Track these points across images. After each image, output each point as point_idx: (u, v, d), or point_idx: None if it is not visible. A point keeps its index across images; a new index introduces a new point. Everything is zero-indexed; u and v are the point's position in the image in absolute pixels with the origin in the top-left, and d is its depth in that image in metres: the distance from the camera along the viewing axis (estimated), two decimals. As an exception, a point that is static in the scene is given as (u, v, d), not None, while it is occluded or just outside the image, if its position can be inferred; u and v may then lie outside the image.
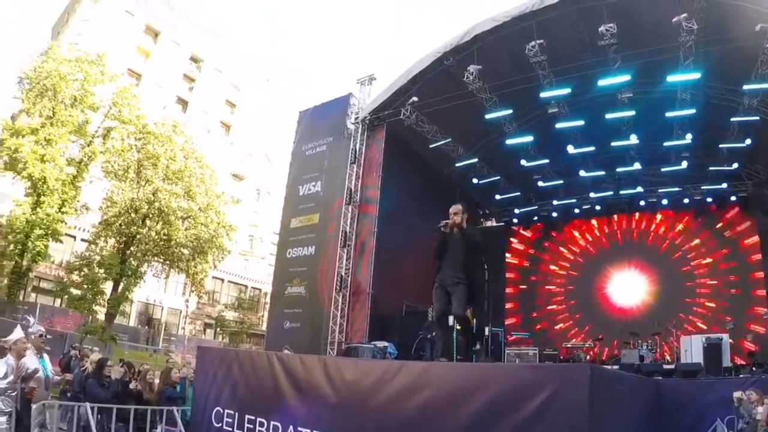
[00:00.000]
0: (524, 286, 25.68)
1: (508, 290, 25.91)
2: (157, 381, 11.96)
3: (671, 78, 16.20)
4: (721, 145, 19.24)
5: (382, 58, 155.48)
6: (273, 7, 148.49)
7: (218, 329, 54.30)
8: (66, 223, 34.06)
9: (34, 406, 7.99)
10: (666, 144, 19.23)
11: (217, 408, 7.82)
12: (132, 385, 10.23)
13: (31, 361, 8.18)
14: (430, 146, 20.43)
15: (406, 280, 19.24)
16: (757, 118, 16.91)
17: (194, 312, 52.83)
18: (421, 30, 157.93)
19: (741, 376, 12.95)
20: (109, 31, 51.44)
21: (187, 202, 34.46)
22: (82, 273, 32.82)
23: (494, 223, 27.02)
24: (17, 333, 8.40)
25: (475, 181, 22.77)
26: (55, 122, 31.09)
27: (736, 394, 8.35)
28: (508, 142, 20.46)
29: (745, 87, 16.09)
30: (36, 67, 31.06)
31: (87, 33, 51.26)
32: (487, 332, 22.33)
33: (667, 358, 17.92)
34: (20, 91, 32.11)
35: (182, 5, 68.67)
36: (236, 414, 7.42)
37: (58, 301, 40.21)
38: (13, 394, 7.70)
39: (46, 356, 8.91)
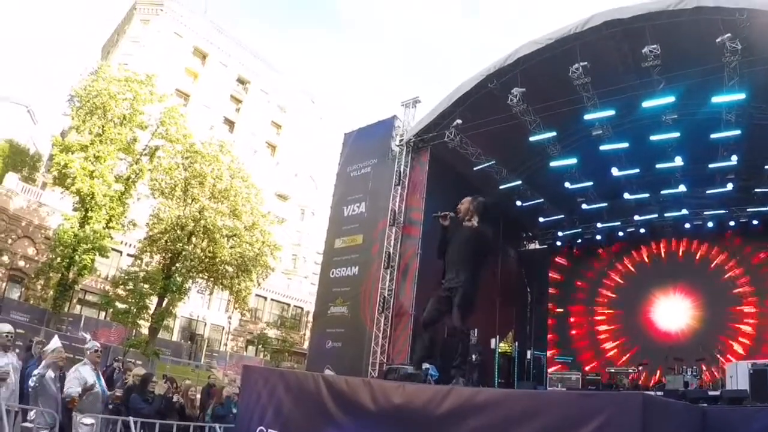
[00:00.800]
0: (567, 310, 25.41)
1: (550, 313, 25.65)
2: (198, 396, 12.17)
3: (716, 99, 16.00)
4: (767, 167, 18.94)
5: (426, 80, 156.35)
6: (318, 31, 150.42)
7: (260, 346, 54.56)
8: (112, 239, 34.71)
9: (87, 419, 8.13)
10: (711, 166, 18.93)
11: (261, 427, 7.75)
12: (174, 400, 10.41)
13: (89, 375, 8.36)
14: (474, 168, 20.42)
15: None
16: (803, 138, 16.66)
17: (236, 329, 53.26)
18: (465, 52, 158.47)
19: (791, 403, 12.69)
20: (157, 52, 52.71)
21: (233, 220, 34.83)
22: (128, 287, 33.34)
23: (537, 246, 26.88)
24: (55, 342, 8.58)
25: (518, 203, 22.67)
26: (104, 140, 31.81)
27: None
28: (552, 164, 20.38)
29: (791, 108, 15.89)
30: (86, 86, 31.80)
31: (136, 53, 52.58)
32: (529, 356, 22.23)
33: (712, 384, 17.59)
34: (70, 108, 32.87)
35: (230, 28, 70.04)
36: (280, 434, 7.37)
37: (103, 314, 40.92)
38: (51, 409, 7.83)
39: (99, 372, 9.12)
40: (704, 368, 17.76)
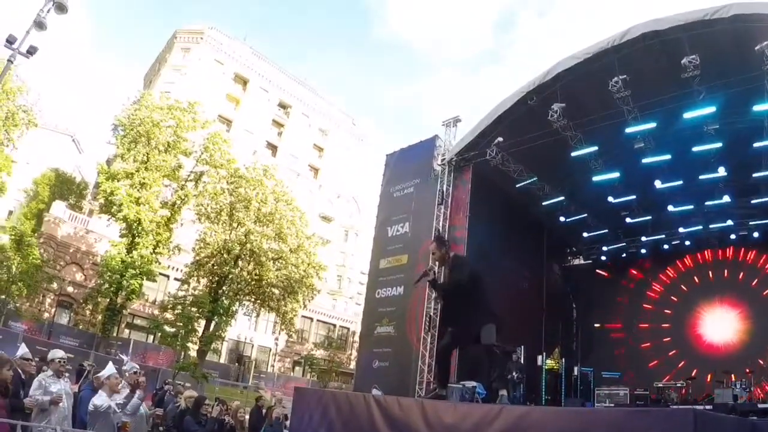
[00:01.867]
0: (615, 325, 25.13)
1: (598, 329, 25.40)
2: (247, 417, 12.38)
3: (757, 108, 15.71)
4: (810, 175, 18.62)
5: (466, 98, 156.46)
6: (356, 53, 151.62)
7: (307, 367, 54.81)
8: (160, 263, 35.35)
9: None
10: (755, 175, 18.59)
11: (313, 447, 7.95)
12: (226, 422, 10.62)
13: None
14: (517, 186, 20.39)
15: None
16: None
17: (283, 350, 53.65)
18: (504, 70, 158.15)
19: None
20: (199, 80, 53.79)
21: (278, 243, 35.28)
22: (176, 311, 33.84)
23: (582, 261, 26.69)
24: (110, 369, 8.71)
25: (562, 219, 22.58)
26: (149, 167, 32.56)
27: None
28: (595, 179, 20.22)
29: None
30: (129, 115, 32.65)
31: (178, 81, 53.76)
32: (576, 372, 22.02)
33: (762, 397, 17.27)
34: (114, 137, 33.74)
35: (269, 53, 71.03)
36: (332, 455, 7.43)
37: (151, 337, 41.56)
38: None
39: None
40: (753, 380, 17.43)
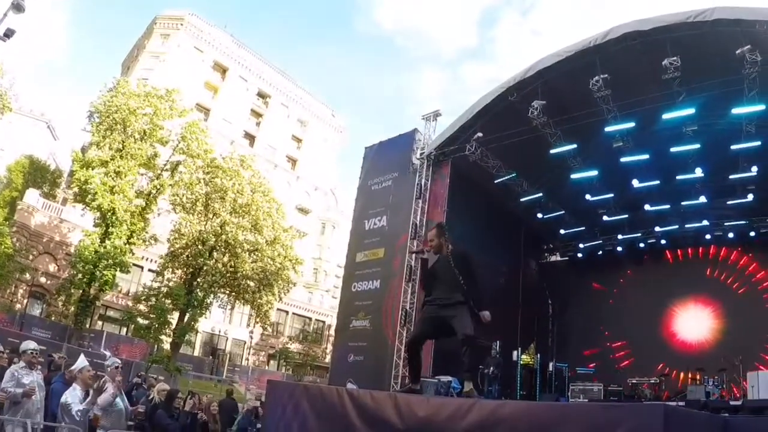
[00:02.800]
0: (589, 321, 25.28)
1: (572, 325, 25.54)
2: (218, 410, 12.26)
3: (736, 110, 15.93)
4: (788, 178, 18.85)
5: (448, 94, 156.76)
6: (335, 46, 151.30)
7: (282, 361, 54.63)
8: (134, 254, 34.92)
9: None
10: (731, 177, 18.79)
11: (285, 441, 7.85)
12: (199, 416, 10.48)
13: (109, 391, 8.41)
14: (495, 181, 20.46)
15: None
16: (823, 149, 16.58)
17: (258, 343, 53.39)
18: (486, 67, 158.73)
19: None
20: (177, 67, 53.33)
21: (254, 235, 35.03)
22: (149, 303, 33.51)
23: (558, 258, 26.81)
24: (82, 362, 8.54)
25: (539, 215, 22.66)
26: (125, 155, 32.04)
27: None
28: (573, 176, 20.35)
29: (811, 118, 15.83)
30: (105, 101, 32.06)
31: (156, 68, 53.32)
32: (551, 368, 22.14)
33: (734, 394, 17.45)
34: (90, 124, 33.16)
35: (250, 42, 70.59)
36: (304, 449, 7.36)
37: (124, 329, 41.16)
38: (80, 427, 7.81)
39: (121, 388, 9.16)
40: (726, 378, 17.63)
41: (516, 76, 18.24)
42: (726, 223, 22.06)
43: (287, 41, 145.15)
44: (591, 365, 23.56)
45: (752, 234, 21.72)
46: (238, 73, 61.32)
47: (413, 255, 6.32)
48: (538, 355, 22.37)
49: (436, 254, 7.25)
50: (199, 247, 33.69)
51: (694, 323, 22.62)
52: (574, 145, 18.98)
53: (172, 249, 35.19)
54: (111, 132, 32.00)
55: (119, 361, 9.26)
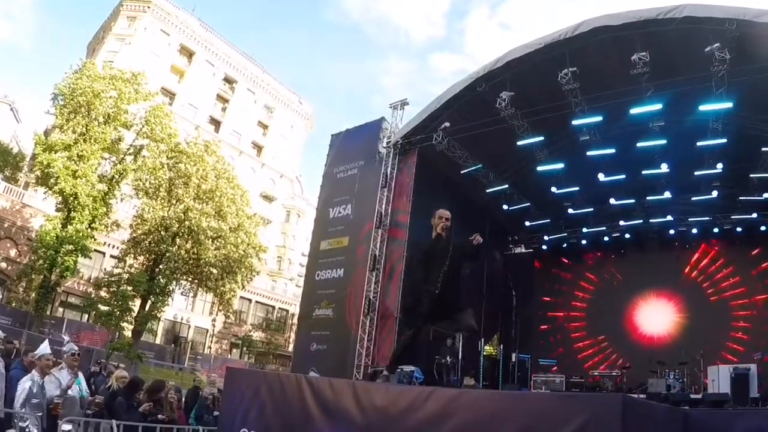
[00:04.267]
0: (552, 313, 25.46)
1: (536, 317, 25.68)
2: (177, 399, 12.04)
3: (703, 107, 16.07)
4: (751, 175, 19.10)
5: (415, 84, 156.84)
6: (308, 32, 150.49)
7: (244, 349, 54.33)
8: (96, 240, 34.37)
9: (65, 425, 7.96)
10: (697, 173, 18.97)
11: (244, 429, 7.66)
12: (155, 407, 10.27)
13: (65, 379, 8.22)
14: (462, 172, 20.44)
15: (433, 305, 19.20)
16: (789, 148, 16.82)
17: (221, 331, 53.02)
18: (454, 59, 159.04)
19: (769, 406, 12.86)
20: (144, 50, 52.65)
21: (218, 222, 34.66)
22: (111, 289, 33.03)
23: (523, 250, 26.87)
24: (44, 348, 8.39)
25: (505, 207, 22.66)
26: (88, 139, 31.44)
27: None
28: (539, 169, 20.37)
29: (778, 117, 16.03)
30: (70, 84, 31.43)
31: (122, 51, 52.56)
32: (514, 359, 22.22)
33: (694, 388, 17.68)
34: (54, 106, 32.52)
35: (218, 26, 69.76)
36: (262, 436, 7.31)
37: (86, 316, 40.55)
38: (40, 414, 7.68)
39: (81, 375, 8.94)
40: (687, 372, 17.84)
41: (485, 66, 18.14)
42: (690, 219, 22.32)
43: (256, 27, 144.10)
44: (554, 356, 23.75)
45: (716, 230, 22.06)
46: (205, 58, 60.54)
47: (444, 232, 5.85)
48: (501, 346, 22.44)
49: (446, 239, 7.08)
50: (162, 233, 33.28)
51: (656, 317, 22.89)
52: (541, 138, 19.04)
53: (134, 235, 34.77)
54: (75, 115, 31.41)
55: (76, 348, 9.05)
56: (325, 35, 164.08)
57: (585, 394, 4.30)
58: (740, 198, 20.53)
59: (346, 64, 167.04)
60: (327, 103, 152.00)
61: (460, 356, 17.65)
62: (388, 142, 20.22)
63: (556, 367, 22.97)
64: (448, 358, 17.02)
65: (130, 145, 34.63)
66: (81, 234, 31.10)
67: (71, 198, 30.91)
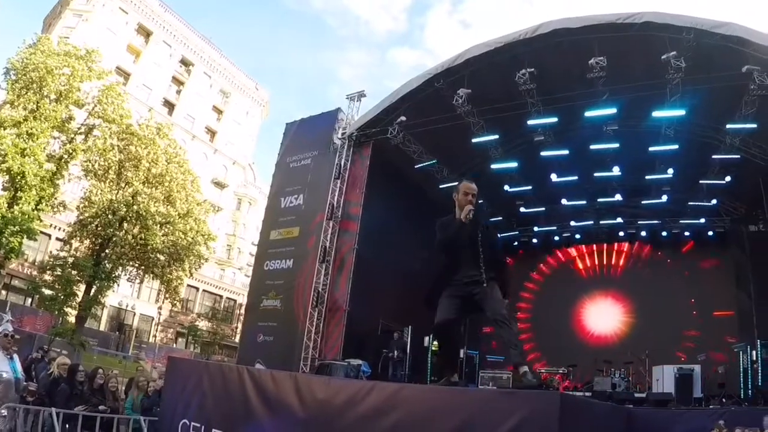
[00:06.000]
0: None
1: (482, 316, 25.75)
2: (122, 388, 11.76)
3: (657, 113, 16.48)
4: (701, 181, 19.61)
5: (373, 77, 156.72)
6: (269, 18, 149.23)
7: (190, 339, 53.60)
8: (42, 221, 33.47)
9: (2, 411, 7.71)
10: (648, 177, 19.48)
11: (184, 420, 7.60)
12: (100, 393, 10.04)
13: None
14: (416, 167, 20.44)
15: (383, 299, 19.19)
16: (738, 156, 17.31)
17: (167, 320, 52.22)
18: (413, 54, 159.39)
19: (711, 407, 13.11)
20: (100, 27, 51.53)
21: (167, 207, 33.92)
22: (55, 273, 32.21)
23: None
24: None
25: (457, 203, 22.64)
26: (39, 116, 30.46)
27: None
28: (493, 167, 20.50)
29: (729, 126, 16.45)
30: (23, 59, 30.50)
31: (78, 27, 51.31)
32: (462, 355, 22.29)
33: (639, 387, 17.99)
34: (5, 81, 31.51)
35: (177, 7, 68.61)
36: (202, 427, 7.23)
37: (29, 300, 39.57)
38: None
39: (16, 357, 8.63)
40: (632, 371, 18.17)
41: (444, 63, 18.15)
42: (639, 222, 22.92)
43: (216, 9, 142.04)
44: (501, 354, 23.88)
45: (664, 234, 22.73)
46: (162, 38, 59.27)
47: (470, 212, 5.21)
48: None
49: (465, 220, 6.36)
50: (109, 216, 32.43)
51: (604, 317, 23.37)
52: (496, 136, 19.22)
53: (81, 217, 33.83)
54: (26, 91, 30.36)
55: (11, 328, 8.71)
56: (285, 22, 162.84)
57: (524, 391, 4.26)
58: (689, 203, 21.08)
59: (305, 52, 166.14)
60: (283, 91, 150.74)
61: (408, 351, 17.77)
62: (343, 134, 20.08)
63: (512, 366, 23.11)
64: (395, 352, 17.02)
65: (81, 125, 33.63)
66: (27, 215, 30.20)
67: (18, 177, 29.94)
